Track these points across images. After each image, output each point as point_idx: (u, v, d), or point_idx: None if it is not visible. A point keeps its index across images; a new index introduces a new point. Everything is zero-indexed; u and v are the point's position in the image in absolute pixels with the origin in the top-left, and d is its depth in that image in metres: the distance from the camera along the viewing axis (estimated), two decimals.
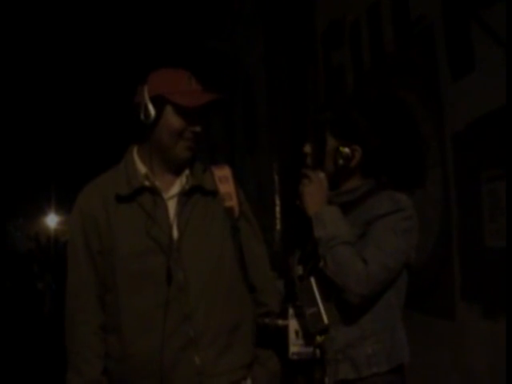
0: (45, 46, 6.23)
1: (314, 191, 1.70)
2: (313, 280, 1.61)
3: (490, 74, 2.28)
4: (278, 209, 4.59)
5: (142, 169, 1.70)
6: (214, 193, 1.73)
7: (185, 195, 1.69)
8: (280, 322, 1.64)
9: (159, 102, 1.63)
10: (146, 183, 1.67)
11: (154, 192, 1.67)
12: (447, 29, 2.55)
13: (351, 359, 1.64)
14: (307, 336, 1.61)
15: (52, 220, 16.51)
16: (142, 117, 1.64)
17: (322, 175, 1.73)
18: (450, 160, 2.56)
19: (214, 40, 6.07)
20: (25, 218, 18.61)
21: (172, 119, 1.64)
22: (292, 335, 1.63)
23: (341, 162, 1.72)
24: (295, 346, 1.62)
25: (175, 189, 1.71)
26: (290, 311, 1.63)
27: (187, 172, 1.72)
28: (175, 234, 1.65)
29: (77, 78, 7.28)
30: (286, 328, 1.63)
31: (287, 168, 4.60)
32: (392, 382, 1.69)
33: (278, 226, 4.50)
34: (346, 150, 1.73)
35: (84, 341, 1.66)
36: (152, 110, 1.64)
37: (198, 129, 1.66)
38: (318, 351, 1.61)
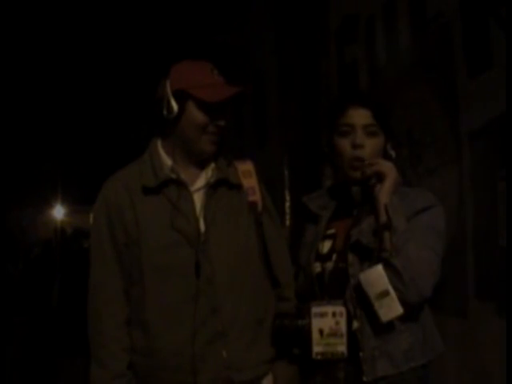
0: (58, 33, 6.22)
1: (396, 179, 1.68)
2: (381, 268, 1.58)
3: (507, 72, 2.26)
4: (287, 204, 4.58)
5: (167, 161, 1.70)
6: (238, 187, 1.73)
7: (211, 188, 1.69)
8: (300, 322, 1.63)
9: (182, 96, 1.63)
10: (173, 175, 1.67)
11: (180, 184, 1.67)
12: (464, 25, 2.54)
13: (388, 355, 1.63)
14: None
15: (58, 211, 16.52)
16: (165, 112, 1.63)
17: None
18: (466, 158, 2.55)
19: (225, 33, 6.05)
20: (32, 209, 18.60)
21: (195, 114, 1.64)
22: (316, 335, 1.61)
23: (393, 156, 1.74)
24: (319, 346, 1.61)
25: (201, 182, 1.71)
26: (313, 310, 1.62)
27: (212, 165, 1.72)
28: (202, 226, 1.65)
29: (82, 72, 7.28)
30: (308, 328, 1.61)
31: (298, 163, 4.59)
32: (424, 376, 1.70)
33: (288, 222, 4.49)
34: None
35: (110, 334, 1.66)
36: (175, 105, 1.63)
37: (222, 123, 1.65)
38: (346, 350, 1.60)
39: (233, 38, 6.04)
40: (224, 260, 1.64)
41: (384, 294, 1.56)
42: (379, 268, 1.57)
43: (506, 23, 2.16)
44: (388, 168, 1.66)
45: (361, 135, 1.70)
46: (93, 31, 6.17)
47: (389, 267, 1.57)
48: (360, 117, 1.72)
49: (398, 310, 1.57)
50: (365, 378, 1.61)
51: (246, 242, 1.69)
